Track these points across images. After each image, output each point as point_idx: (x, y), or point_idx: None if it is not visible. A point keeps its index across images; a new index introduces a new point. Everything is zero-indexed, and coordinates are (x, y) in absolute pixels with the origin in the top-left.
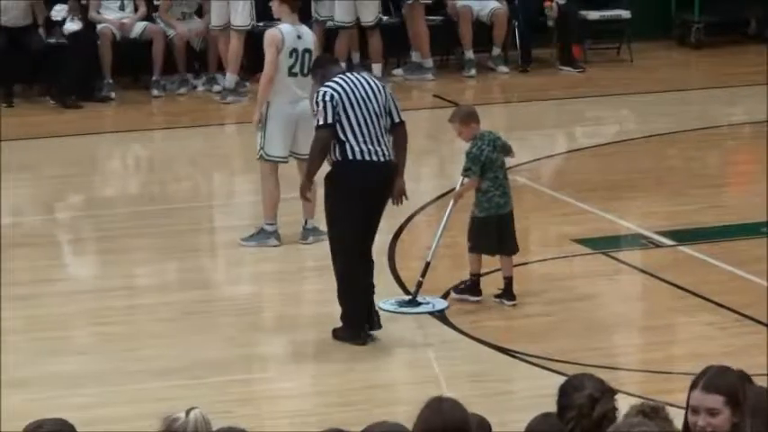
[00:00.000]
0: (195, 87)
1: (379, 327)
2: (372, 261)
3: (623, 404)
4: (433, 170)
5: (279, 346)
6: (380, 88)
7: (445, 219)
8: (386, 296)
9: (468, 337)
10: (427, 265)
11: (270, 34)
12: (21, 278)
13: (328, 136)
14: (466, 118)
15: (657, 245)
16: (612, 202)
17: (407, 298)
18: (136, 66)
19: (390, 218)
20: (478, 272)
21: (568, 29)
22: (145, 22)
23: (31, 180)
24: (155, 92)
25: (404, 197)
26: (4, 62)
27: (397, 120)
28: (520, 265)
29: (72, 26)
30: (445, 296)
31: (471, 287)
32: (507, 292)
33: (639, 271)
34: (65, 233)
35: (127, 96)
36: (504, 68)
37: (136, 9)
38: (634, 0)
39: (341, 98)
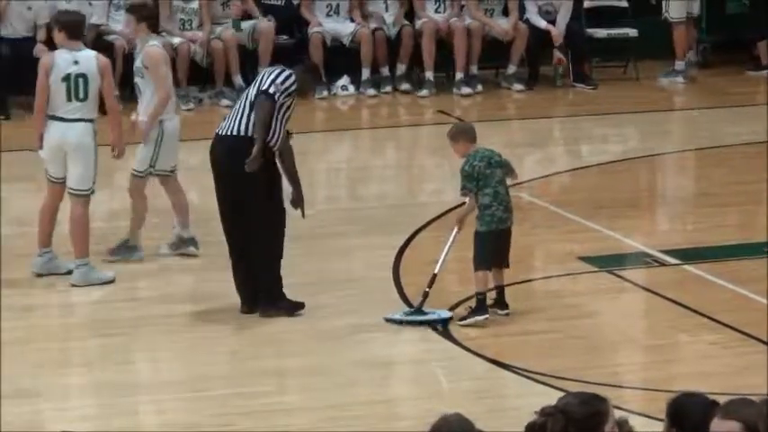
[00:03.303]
0: (201, 101)
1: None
2: (233, 244)
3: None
4: (436, 186)
5: (281, 360)
6: (263, 73)
7: (451, 239)
8: (391, 311)
9: (471, 353)
10: (434, 276)
11: (159, 53)
12: (23, 289)
13: None
14: (456, 135)
15: (662, 263)
16: (618, 220)
17: (412, 308)
18: None
19: (395, 234)
20: (485, 290)
21: (578, 46)
22: None
23: (33, 191)
24: None
25: (254, 165)
26: (4, 73)
27: (259, 89)
28: (524, 282)
29: None
30: (451, 310)
31: (478, 307)
32: (500, 302)
33: (644, 289)
34: (67, 244)
35: (132, 109)
36: (519, 86)
37: None
38: (641, 19)
39: None
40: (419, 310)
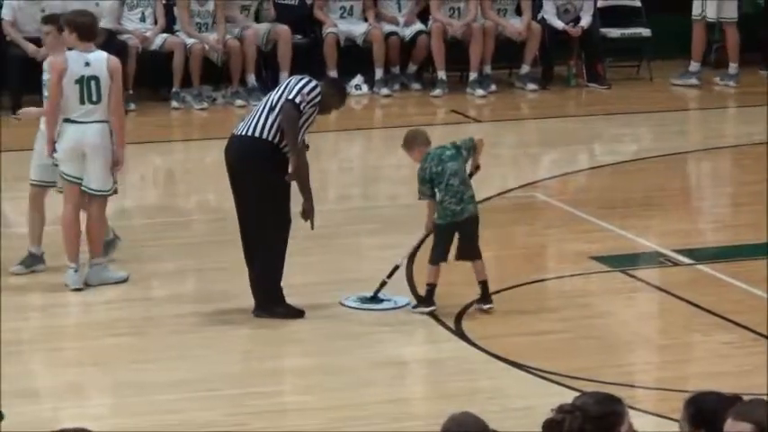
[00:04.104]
0: (215, 100)
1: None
2: (247, 246)
3: (639, 423)
4: None
5: (294, 360)
6: (289, 80)
7: (418, 240)
8: (403, 310)
9: (484, 352)
10: (396, 268)
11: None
12: (35, 288)
13: None
14: (407, 143)
15: (675, 263)
16: (631, 219)
17: (369, 295)
18: (155, 77)
19: (407, 233)
20: (434, 282)
21: (592, 46)
22: (165, 34)
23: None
24: (174, 104)
25: (293, 177)
26: (20, 73)
27: (287, 97)
28: (537, 281)
29: None
30: (460, 316)
31: (426, 298)
32: (484, 297)
33: (657, 289)
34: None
35: (146, 108)
36: (532, 86)
37: (155, 20)
38: (654, 19)
39: None
40: (374, 298)
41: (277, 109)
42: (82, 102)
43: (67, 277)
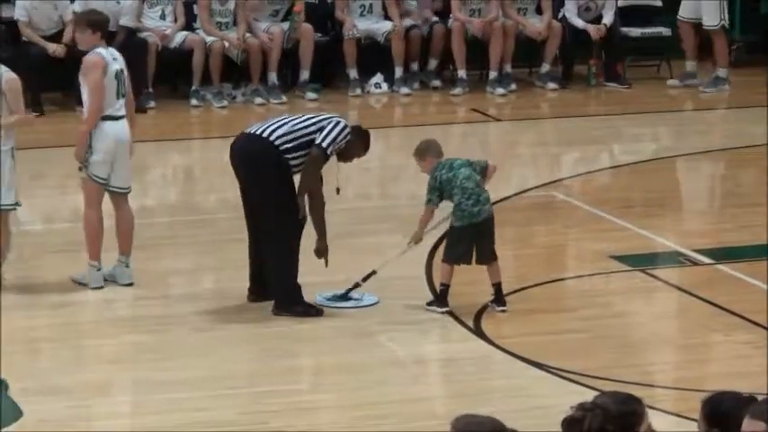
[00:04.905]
0: (234, 98)
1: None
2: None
3: (658, 422)
4: None
5: (312, 358)
6: (327, 120)
7: (404, 249)
8: (421, 310)
9: (503, 351)
10: (373, 272)
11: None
12: (54, 285)
13: None
14: (419, 153)
15: (695, 263)
16: (650, 219)
17: (340, 293)
18: (175, 75)
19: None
20: (448, 282)
21: (613, 45)
22: (185, 32)
23: (66, 187)
24: (194, 102)
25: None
26: (37, 70)
27: (320, 143)
28: (557, 280)
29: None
30: (478, 315)
31: (440, 297)
32: (498, 299)
33: (677, 289)
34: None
35: (166, 106)
36: (552, 85)
37: (175, 18)
38: (674, 18)
39: None
40: (345, 296)
41: (297, 128)
42: (117, 96)
43: (89, 275)
